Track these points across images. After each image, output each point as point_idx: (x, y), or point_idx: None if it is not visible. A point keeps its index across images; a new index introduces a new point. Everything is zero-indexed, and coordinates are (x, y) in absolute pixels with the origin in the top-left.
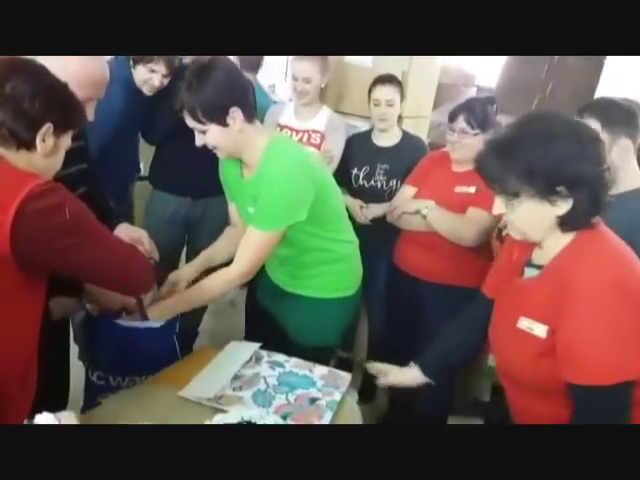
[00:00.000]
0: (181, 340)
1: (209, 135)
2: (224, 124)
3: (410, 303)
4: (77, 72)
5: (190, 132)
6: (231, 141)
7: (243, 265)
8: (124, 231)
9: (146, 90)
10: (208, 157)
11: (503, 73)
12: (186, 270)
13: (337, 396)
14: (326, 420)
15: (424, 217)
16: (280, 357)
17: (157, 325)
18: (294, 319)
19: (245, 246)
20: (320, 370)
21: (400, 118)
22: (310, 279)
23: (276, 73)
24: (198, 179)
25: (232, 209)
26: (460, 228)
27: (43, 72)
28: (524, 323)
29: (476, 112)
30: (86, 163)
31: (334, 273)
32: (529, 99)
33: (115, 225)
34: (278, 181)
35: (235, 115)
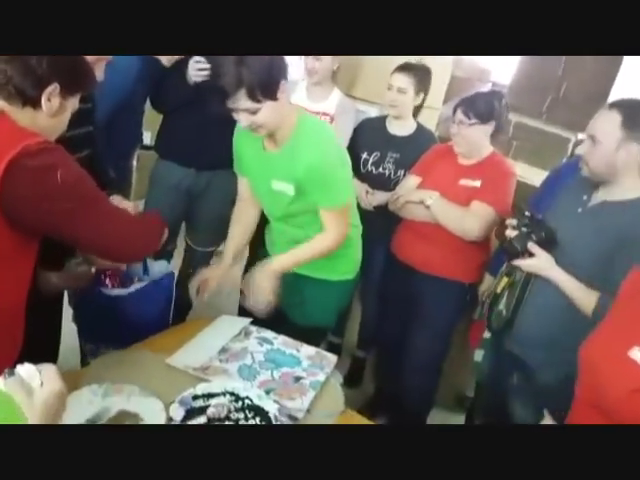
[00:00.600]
0: (175, 310)
1: (262, 113)
2: (276, 99)
3: (404, 292)
4: None
5: (198, 103)
6: (278, 116)
7: (336, 237)
8: (113, 201)
9: (165, 61)
10: (214, 129)
11: (518, 70)
12: (215, 271)
13: (321, 377)
14: (308, 399)
15: (427, 207)
16: (269, 334)
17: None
18: (296, 299)
19: (330, 223)
20: (307, 350)
21: (419, 109)
22: (319, 261)
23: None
24: (204, 151)
25: (243, 184)
26: (463, 221)
27: None
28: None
29: (475, 104)
30: (92, 126)
31: (341, 256)
32: (542, 98)
33: (108, 196)
34: (332, 157)
35: (283, 88)
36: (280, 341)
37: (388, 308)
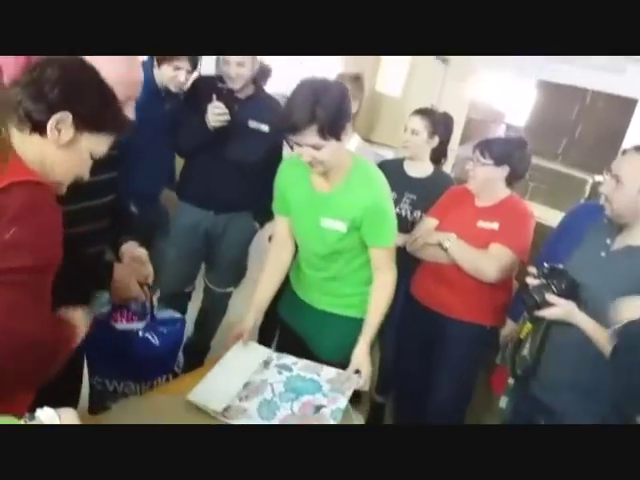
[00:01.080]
0: (192, 354)
1: (325, 151)
2: (340, 139)
3: (424, 334)
4: (110, 72)
5: (218, 147)
6: (337, 156)
7: (393, 274)
8: (128, 247)
9: (173, 87)
10: (233, 173)
11: (533, 112)
12: (247, 322)
13: (342, 403)
14: None
15: (446, 249)
16: (288, 359)
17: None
18: (327, 337)
19: (383, 262)
20: (328, 373)
21: (440, 155)
22: (351, 298)
23: None
24: (222, 193)
25: (282, 225)
26: (482, 263)
27: (79, 64)
28: None
29: (493, 146)
30: (116, 172)
31: (367, 293)
32: (557, 140)
33: (124, 241)
34: (386, 199)
35: (347, 130)
36: (300, 366)
37: (408, 350)
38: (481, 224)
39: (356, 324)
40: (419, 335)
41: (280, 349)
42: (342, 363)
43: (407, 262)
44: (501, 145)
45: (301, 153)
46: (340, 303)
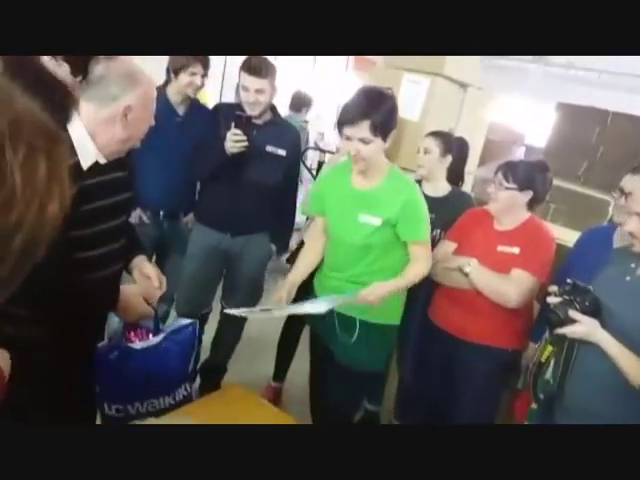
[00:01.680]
0: (209, 375)
1: (371, 147)
2: (385, 141)
3: (445, 359)
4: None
5: (235, 171)
6: (379, 156)
7: (425, 267)
8: (138, 262)
9: (191, 92)
10: (250, 196)
11: (553, 134)
12: (280, 294)
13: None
14: None
15: (466, 275)
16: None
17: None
18: (356, 345)
19: (419, 255)
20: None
21: (462, 177)
22: (380, 304)
23: (326, 122)
24: (239, 216)
25: (318, 225)
26: (503, 289)
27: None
28: None
29: (517, 170)
30: (131, 192)
31: (398, 300)
32: (579, 162)
33: (134, 256)
34: (420, 197)
35: (392, 136)
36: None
37: (428, 376)
38: (501, 248)
39: (380, 330)
40: (439, 360)
41: (312, 355)
42: (366, 368)
43: (424, 285)
44: (525, 169)
45: (349, 147)
46: (365, 308)
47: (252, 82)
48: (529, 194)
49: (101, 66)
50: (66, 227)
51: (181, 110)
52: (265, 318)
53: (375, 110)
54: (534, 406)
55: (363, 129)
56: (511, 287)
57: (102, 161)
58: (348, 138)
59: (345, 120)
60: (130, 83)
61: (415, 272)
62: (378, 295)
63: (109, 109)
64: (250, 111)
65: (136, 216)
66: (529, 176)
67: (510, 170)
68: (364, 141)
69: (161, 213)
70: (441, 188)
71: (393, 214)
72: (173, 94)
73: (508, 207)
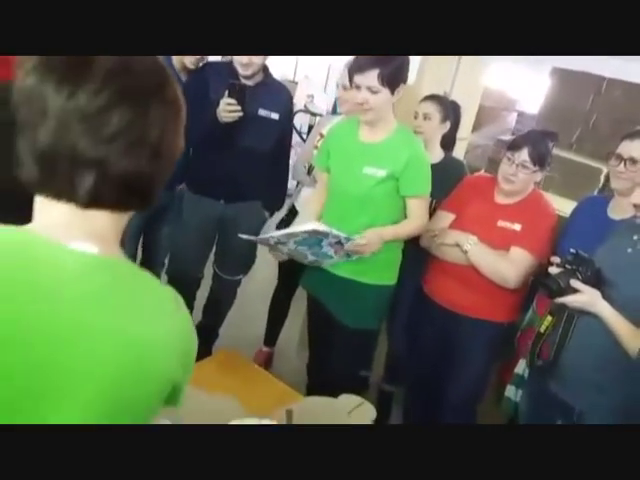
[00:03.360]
0: (200, 340)
1: (378, 97)
2: (393, 93)
3: (438, 332)
4: None
5: (227, 137)
6: (386, 108)
7: (419, 223)
8: None
9: (189, 64)
10: (243, 162)
11: (546, 100)
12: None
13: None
14: None
15: (465, 252)
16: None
17: None
18: (349, 305)
19: (417, 210)
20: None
21: (453, 142)
22: (370, 264)
23: (316, 84)
24: (232, 183)
25: (323, 180)
26: (502, 268)
27: None
28: None
29: (541, 147)
30: None
31: (394, 261)
32: (571, 129)
33: None
34: (424, 153)
35: (400, 90)
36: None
37: (421, 347)
38: (502, 224)
39: (376, 291)
40: (433, 333)
41: (309, 318)
42: (365, 330)
43: (417, 253)
44: (547, 148)
45: (357, 96)
46: (360, 269)
47: None
48: (546, 171)
49: None
50: None
51: (183, 76)
52: (275, 241)
53: (385, 60)
54: (518, 370)
55: (371, 77)
56: (510, 267)
57: None
58: (357, 87)
59: (355, 68)
60: None
61: (411, 226)
62: (372, 242)
63: None
64: (242, 71)
65: None
66: (548, 152)
67: (535, 150)
68: (372, 90)
69: None
70: (436, 154)
71: (398, 168)
72: (177, 60)
73: (524, 187)
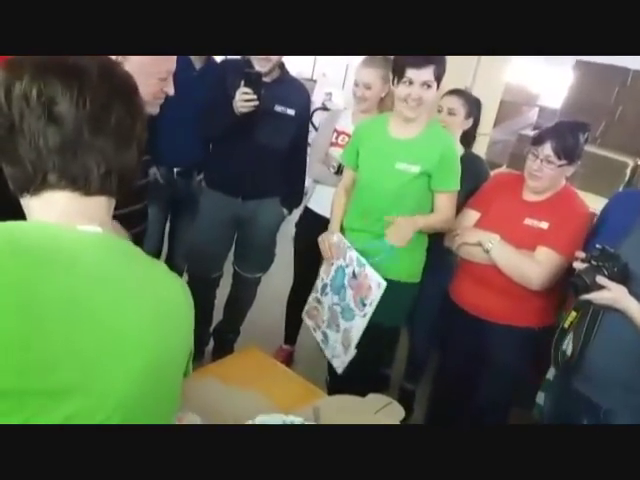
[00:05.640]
0: (222, 339)
1: (430, 92)
2: (437, 88)
3: (467, 338)
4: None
5: (244, 132)
6: (432, 104)
7: (448, 217)
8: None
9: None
10: (260, 158)
11: (570, 94)
12: (331, 237)
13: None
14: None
15: (487, 252)
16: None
17: None
18: (384, 302)
19: (446, 203)
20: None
21: (473, 138)
22: (401, 262)
23: (334, 82)
24: (250, 180)
25: (349, 176)
26: (527, 270)
27: None
28: None
29: (566, 140)
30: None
31: (419, 259)
32: (596, 122)
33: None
34: (455, 148)
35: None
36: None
37: (449, 352)
38: (528, 222)
39: (400, 288)
40: (460, 338)
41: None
42: (388, 327)
43: (441, 256)
44: (575, 140)
45: (409, 92)
46: (385, 266)
47: None
48: (577, 164)
49: None
50: None
51: (198, 64)
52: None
53: (438, 59)
54: (549, 376)
55: (428, 73)
56: (534, 268)
57: None
58: (411, 82)
59: (412, 62)
60: None
61: (442, 217)
62: (405, 227)
63: None
64: (260, 67)
65: (151, 174)
66: (577, 144)
67: (559, 143)
68: (428, 84)
69: (175, 171)
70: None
71: (432, 163)
72: None
73: (556, 181)
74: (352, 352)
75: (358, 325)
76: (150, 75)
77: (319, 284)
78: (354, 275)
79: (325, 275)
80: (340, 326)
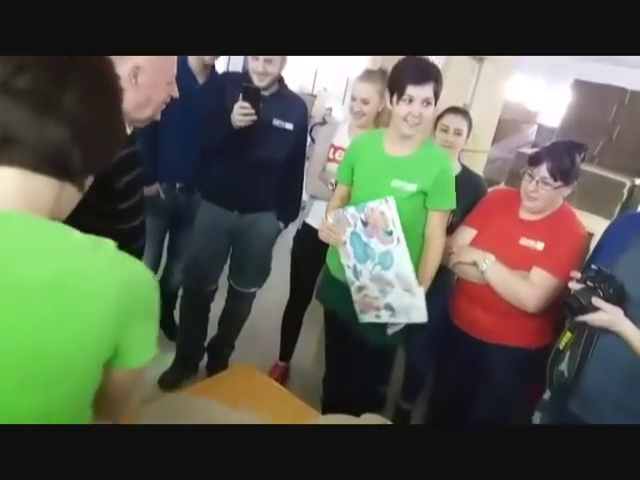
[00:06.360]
0: (217, 353)
1: (429, 109)
2: (436, 105)
3: (464, 358)
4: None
5: (241, 146)
6: (429, 120)
7: (442, 241)
8: None
9: (208, 59)
10: (257, 172)
11: (568, 112)
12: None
13: None
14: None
15: (481, 272)
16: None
17: None
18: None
19: (438, 223)
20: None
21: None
22: None
23: (335, 96)
24: (246, 194)
25: (342, 191)
26: (521, 292)
27: None
28: None
29: (563, 161)
30: (141, 167)
31: None
32: (594, 142)
33: None
34: (452, 169)
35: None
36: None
37: (446, 371)
38: (524, 242)
39: None
40: (457, 359)
41: (327, 334)
42: (385, 346)
43: (441, 278)
44: (572, 162)
45: (410, 110)
46: None
47: None
48: (574, 185)
49: None
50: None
51: (201, 78)
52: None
53: (437, 73)
54: (546, 396)
55: (429, 90)
56: (529, 290)
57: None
58: (411, 100)
59: (412, 80)
60: None
61: (437, 252)
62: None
63: (122, 70)
64: (258, 82)
65: (153, 190)
66: (573, 165)
67: (555, 164)
68: (427, 102)
69: (177, 186)
70: (455, 167)
71: (428, 182)
72: (193, 61)
73: (553, 202)
74: (420, 290)
75: (401, 258)
76: (162, 82)
77: (349, 274)
78: (364, 223)
79: (347, 259)
80: (391, 280)
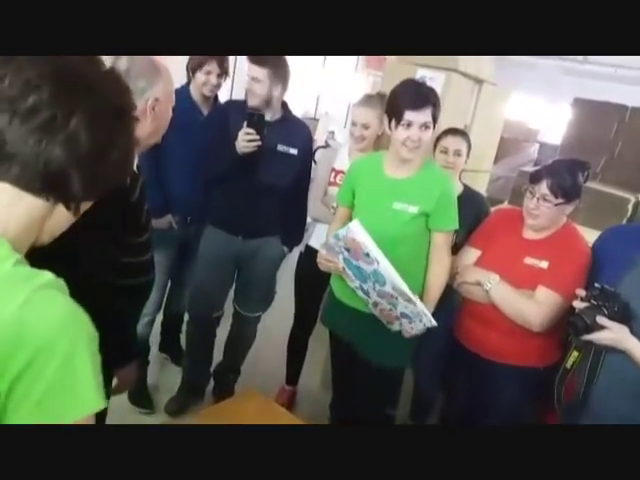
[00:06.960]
0: (223, 379)
1: (428, 133)
2: (434, 128)
3: (471, 378)
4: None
5: (246, 172)
6: (428, 143)
7: (448, 261)
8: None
9: (207, 92)
10: (262, 197)
11: (569, 130)
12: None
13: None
14: None
15: (486, 292)
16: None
17: None
18: (375, 341)
19: (443, 244)
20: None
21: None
22: None
23: (336, 121)
24: (251, 219)
25: (343, 214)
26: (526, 311)
27: None
28: None
29: (563, 178)
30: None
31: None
32: (596, 159)
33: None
34: (453, 190)
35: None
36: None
37: (453, 392)
38: (528, 261)
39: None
40: (464, 379)
41: (333, 357)
42: (393, 367)
43: (448, 298)
44: (573, 179)
45: (408, 134)
46: None
47: (250, 69)
48: (576, 203)
49: (124, 60)
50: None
51: (205, 110)
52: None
53: (435, 97)
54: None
55: (426, 114)
56: (534, 309)
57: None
58: (409, 125)
59: (410, 105)
60: (155, 75)
61: (443, 275)
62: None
63: (139, 104)
64: (249, 102)
65: (165, 222)
66: (575, 183)
67: (556, 182)
68: (426, 126)
69: (188, 219)
70: (458, 188)
71: (430, 204)
72: (195, 93)
73: (555, 219)
74: (416, 298)
75: (389, 274)
76: (169, 108)
77: (361, 294)
78: (347, 250)
79: (351, 282)
80: (392, 293)
